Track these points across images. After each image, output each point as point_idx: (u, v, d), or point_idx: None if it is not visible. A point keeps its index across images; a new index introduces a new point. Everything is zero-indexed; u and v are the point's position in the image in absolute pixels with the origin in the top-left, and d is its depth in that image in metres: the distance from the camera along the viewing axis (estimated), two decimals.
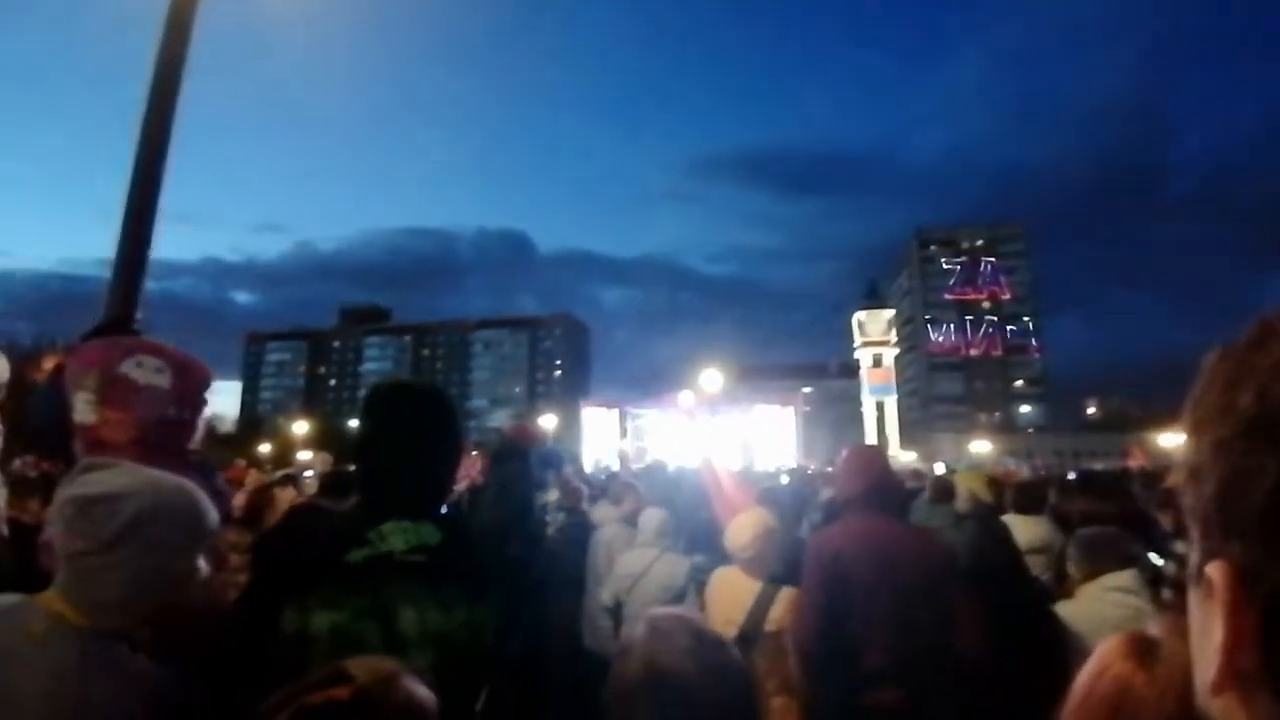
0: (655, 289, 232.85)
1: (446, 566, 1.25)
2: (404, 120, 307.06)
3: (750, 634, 2.45)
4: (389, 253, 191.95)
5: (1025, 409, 78.00)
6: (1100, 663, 0.77)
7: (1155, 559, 3.20)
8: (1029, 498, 4.36)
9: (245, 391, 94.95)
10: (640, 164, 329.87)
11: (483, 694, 1.30)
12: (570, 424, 25.47)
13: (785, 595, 2.56)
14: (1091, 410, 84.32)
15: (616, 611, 3.61)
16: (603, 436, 19.62)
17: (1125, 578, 2.62)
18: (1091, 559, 2.72)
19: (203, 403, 1.71)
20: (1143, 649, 0.77)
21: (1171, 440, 34.24)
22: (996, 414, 76.62)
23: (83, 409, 1.53)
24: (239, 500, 3.91)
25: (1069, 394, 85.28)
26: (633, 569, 3.60)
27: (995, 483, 4.99)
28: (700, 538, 3.88)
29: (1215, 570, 0.33)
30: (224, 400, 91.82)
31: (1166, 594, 2.69)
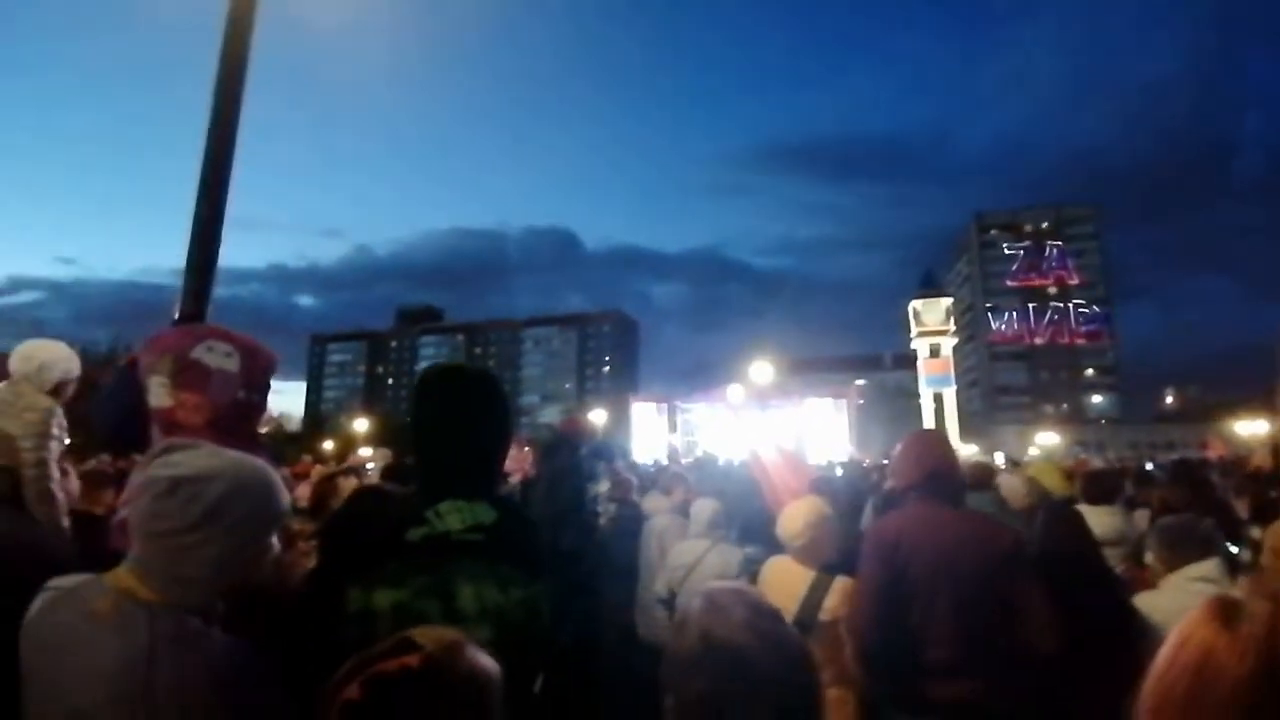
0: (704, 283, 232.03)
1: (502, 545, 1.28)
2: (453, 123, 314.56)
3: (804, 623, 2.41)
4: (442, 254, 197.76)
5: (1096, 399, 74.27)
6: (1183, 630, 0.74)
7: (1231, 548, 3.02)
8: (1100, 487, 4.17)
9: (309, 392, 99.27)
10: (687, 158, 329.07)
11: (539, 677, 1.32)
12: (620, 419, 25.62)
13: (840, 585, 2.51)
14: (1169, 400, 79.64)
15: (670, 602, 3.62)
16: (652, 431, 19.67)
17: (1209, 567, 2.48)
18: (1173, 548, 2.59)
19: (269, 386, 1.79)
20: (1226, 612, 0.73)
21: (1250, 428, 31.99)
22: (1064, 405, 73.16)
23: (157, 392, 1.62)
24: (302, 491, 4.07)
25: (1143, 384, 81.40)
26: (686, 559, 3.60)
27: (1070, 474, 4.78)
28: (753, 529, 3.85)
29: None
30: (290, 400, 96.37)
31: (1243, 581, 2.53)
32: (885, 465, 8.14)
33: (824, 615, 2.44)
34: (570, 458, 4.69)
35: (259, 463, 1.19)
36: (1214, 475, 5.73)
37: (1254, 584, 0.73)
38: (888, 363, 79.08)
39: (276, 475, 1.21)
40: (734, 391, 19.26)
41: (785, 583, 2.59)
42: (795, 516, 2.68)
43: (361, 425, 50.67)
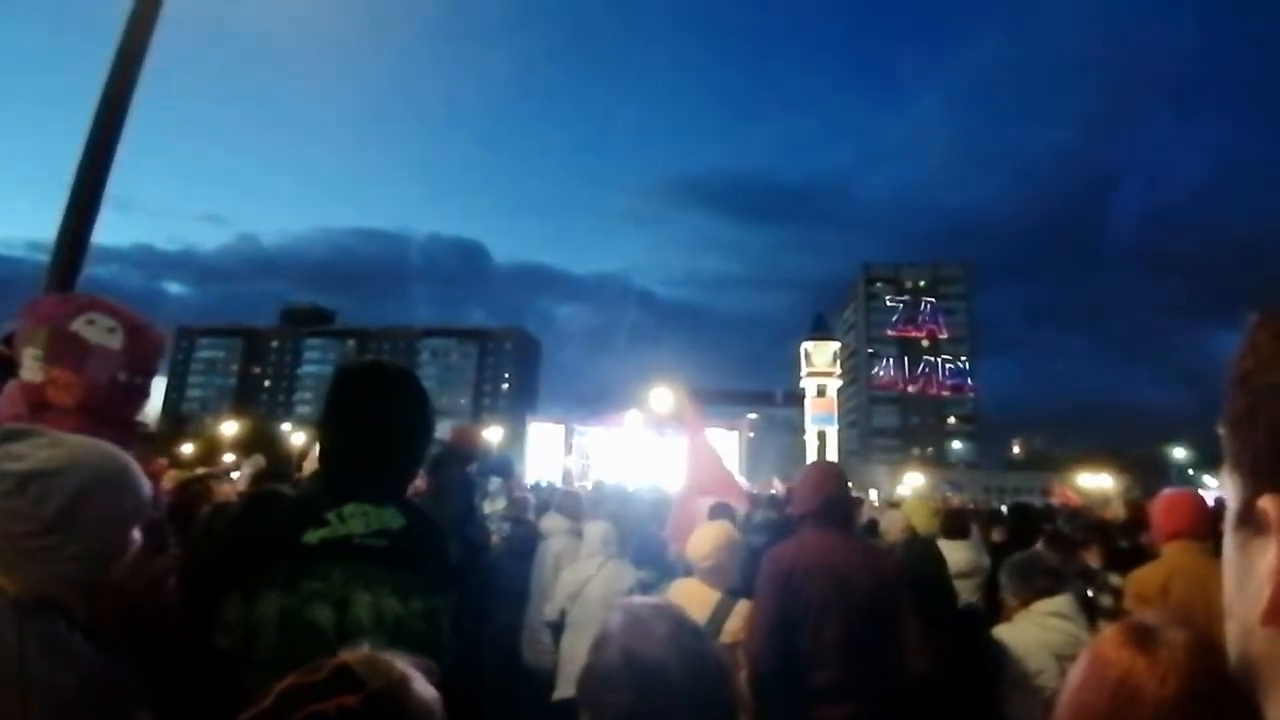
0: (609, 308, 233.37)
1: (408, 553, 1.20)
2: (359, 117, 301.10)
3: None
4: (336, 252, 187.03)
5: (956, 445, 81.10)
6: (1098, 652, 0.79)
7: (1088, 592, 3.37)
8: (954, 524, 4.56)
9: (170, 388, 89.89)
10: (603, 182, 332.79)
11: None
12: (515, 439, 25.08)
13: (742, 608, 2.55)
14: (1016, 449, 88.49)
15: (559, 624, 3.54)
16: (548, 453, 19.38)
17: (1061, 603, 2.73)
18: (1024, 580, 2.82)
19: (154, 370, 1.60)
20: (1140, 637, 0.79)
21: (1090, 480, 36.15)
22: (929, 449, 79.40)
23: (30, 366, 1.42)
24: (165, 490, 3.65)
25: (997, 432, 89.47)
26: (578, 576, 3.55)
27: (938, 512, 5.17)
28: (646, 553, 3.86)
29: (1269, 502, 0.35)
30: None
31: (1104, 625, 2.81)
32: (771, 495, 8.44)
33: (725, 638, 2.47)
34: (459, 471, 4.52)
35: (111, 449, 1.09)
36: (1059, 521, 6.39)
37: (1169, 611, 0.80)
38: (779, 399, 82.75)
39: (134, 464, 1.11)
40: (632, 417, 19.41)
41: (690, 604, 2.57)
42: (705, 539, 2.71)
43: (229, 428, 46.60)
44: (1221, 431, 0.39)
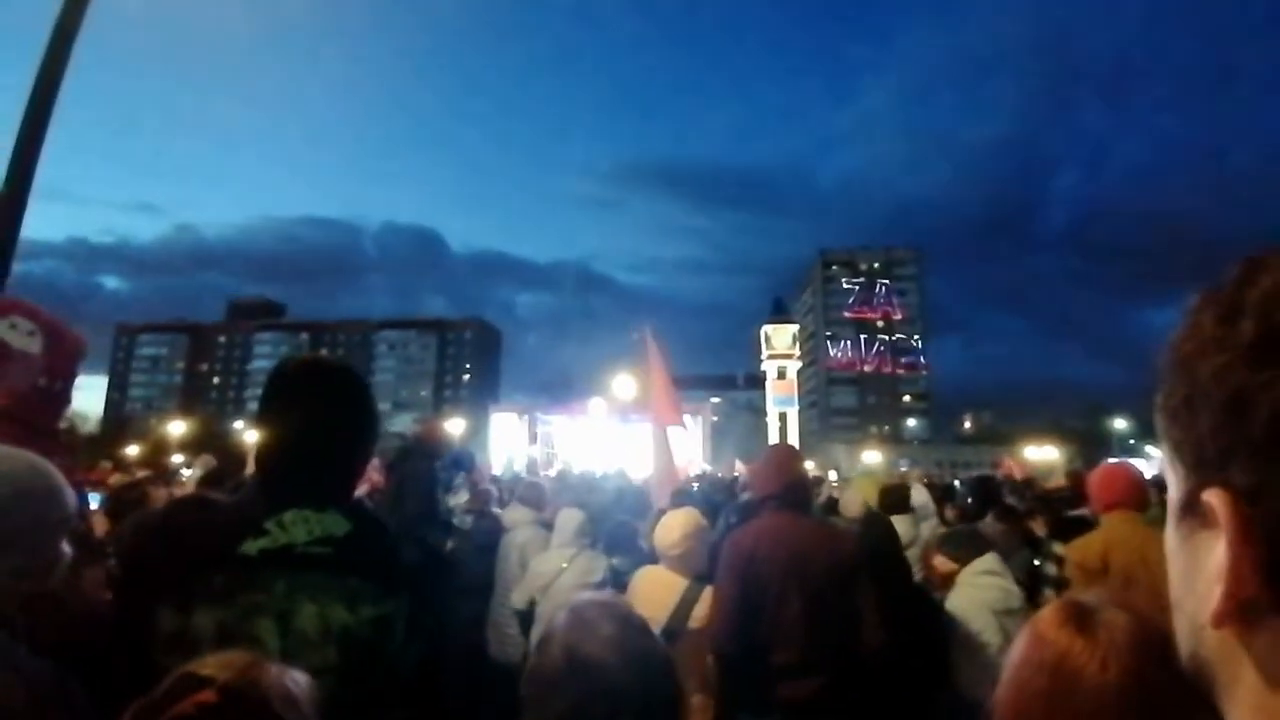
0: (570, 295, 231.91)
1: (355, 560, 1.16)
2: (305, 98, 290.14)
3: (673, 631, 2.44)
4: (284, 243, 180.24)
5: (911, 422, 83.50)
6: (1035, 632, 0.80)
7: (1034, 561, 3.52)
8: (894, 499, 4.72)
9: (112, 388, 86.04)
10: (560, 167, 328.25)
11: (389, 701, 1.21)
12: (478, 430, 24.82)
13: (709, 593, 2.57)
14: (967, 425, 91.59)
15: (529, 614, 3.52)
16: (511, 442, 19.25)
17: (989, 560, 2.92)
18: (960, 548, 3.02)
19: (75, 375, 1.52)
20: (1078, 617, 0.78)
21: (1036, 453, 37.68)
22: (886, 427, 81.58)
23: None
24: (95, 507, 3.48)
25: (949, 410, 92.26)
26: (548, 569, 3.53)
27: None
28: (618, 540, 3.86)
29: (1214, 496, 0.32)
30: (87, 397, 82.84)
31: (1049, 592, 2.94)
32: (738, 479, 8.55)
33: (693, 623, 2.49)
34: (423, 465, 4.43)
35: (36, 461, 1.05)
36: (1005, 492, 6.63)
37: (1109, 593, 0.80)
38: (740, 382, 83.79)
39: (58, 473, 1.07)
40: (596, 405, 19.38)
41: (656, 591, 2.62)
42: (673, 527, 2.71)
43: (176, 428, 44.91)
44: (1158, 418, 0.37)
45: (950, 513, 5.83)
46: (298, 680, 0.79)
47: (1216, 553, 0.32)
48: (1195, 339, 0.34)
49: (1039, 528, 4.38)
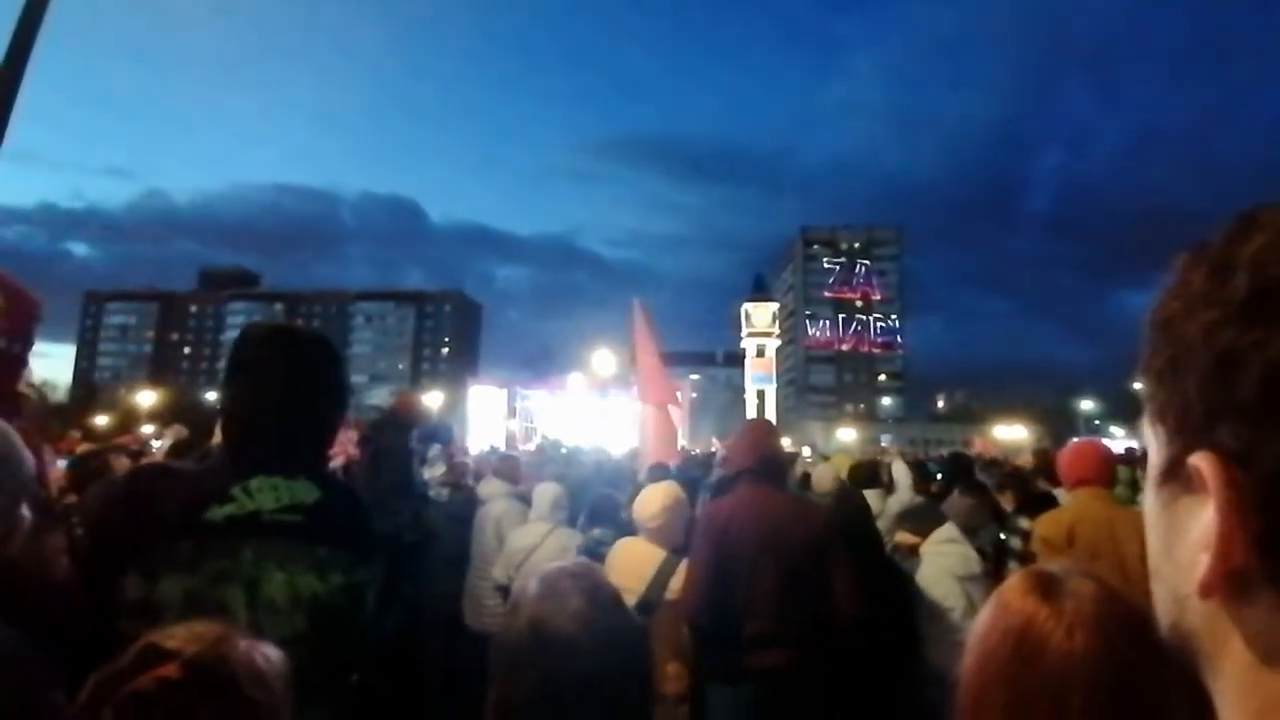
0: (551, 269, 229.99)
1: (324, 527, 1.14)
2: (278, 64, 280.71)
3: (650, 603, 2.47)
4: (259, 210, 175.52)
5: (886, 401, 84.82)
6: (1000, 600, 0.80)
7: (1001, 535, 3.62)
8: (863, 474, 4.88)
9: (80, 357, 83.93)
10: (544, 139, 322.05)
11: (359, 669, 1.21)
12: (456, 403, 24.68)
13: (685, 566, 2.60)
14: (940, 404, 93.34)
15: (508, 589, 3.54)
16: (490, 417, 19.17)
17: (948, 529, 3.07)
18: (922, 522, 3.17)
19: (33, 337, 1.47)
20: (1044, 585, 0.77)
21: (1006, 432, 38.53)
22: (861, 405, 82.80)
23: None
24: (56, 475, 3.39)
25: (924, 389, 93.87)
26: (526, 542, 3.54)
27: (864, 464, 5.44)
28: (600, 512, 3.88)
29: (1202, 460, 0.30)
30: (54, 366, 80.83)
31: (1014, 565, 3.03)
32: (714, 454, 8.63)
33: (670, 594, 2.52)
34: (399, 437, 4.40)
35: None
36: (976, 469, 6.79)
37: (1075, 563, 0.79)
38: (719, 359, 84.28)
39: (17, 438, 1.02)
40: (575, 379, 19.35)
41: (634, 563, 2.64)
42: (653, 499, 2.73)
43: (146, 399, 44.05)
44: (1141, 381, 0.35)
45: (922, 488, 5.97)
46: (268, 656, 0.76)
47: (1202, 519, 0.30)
48: (1183, 297, 0.32)
49: (1007, 503, 4.49)
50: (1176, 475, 0.33)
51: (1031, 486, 4.75)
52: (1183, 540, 0.32)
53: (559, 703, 0.88)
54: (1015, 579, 0.81)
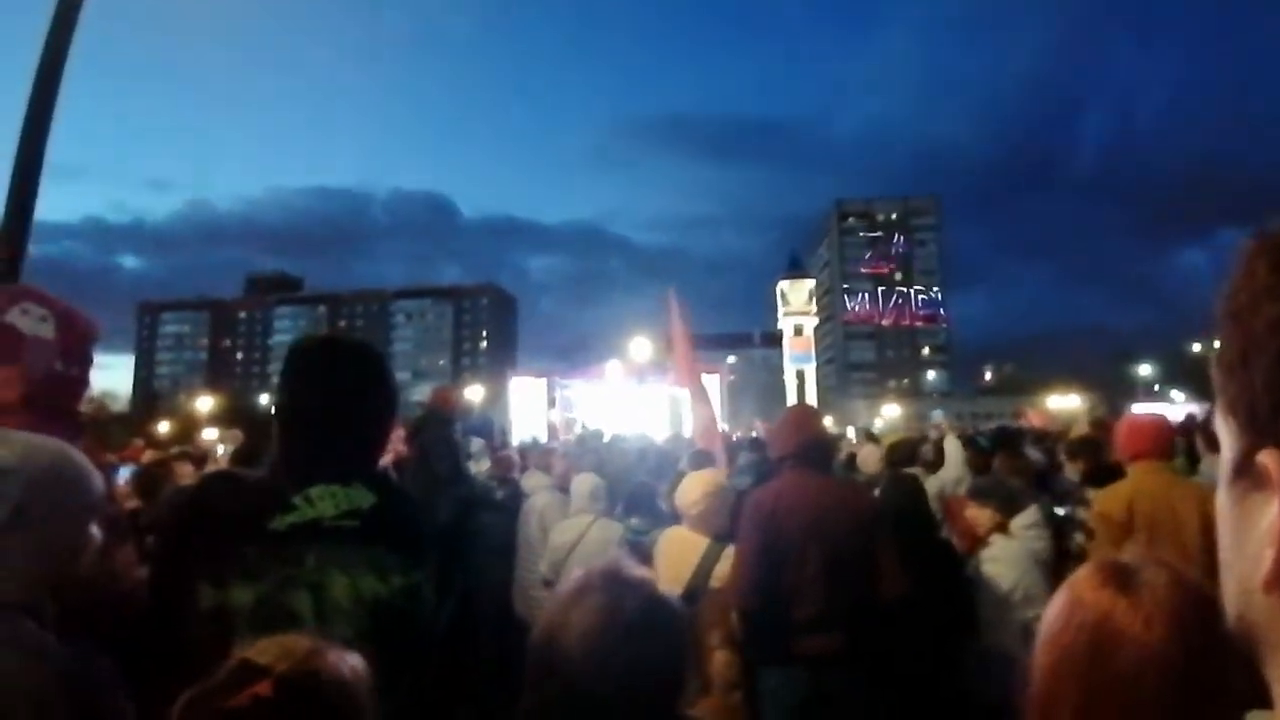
0: (584, 257, 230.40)
1: (382, 530, 1.18)
2: (308, 69, 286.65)
3: (696, 591, 2.49)
4: (295, 214, 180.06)
5: (931, 375, 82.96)
6: (1073, 594, 0.78)
7: (1058, 509, 3.52)
8: (900, 453, 4.71)
9: (138, 367, 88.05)
10: (570, 125, 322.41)
11: (420, 666, 1.25)
12: (497, 396, 25.08)
13: (731, 552, 2.60)
14: (988, 376, 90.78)
15: (554, 584, 3.60)
16: (531, 408, 19.40)
17: (1033, 513, 2.92)
18: (1007, 504, 3.00)
19: (90, 358, 1.55)
20: (1119, 577, 0.76)
21: (1061, 401, 37.30)
22: (905, 380, 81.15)
23: None
24: (123, 487, 3.56)
25: (970, 361, 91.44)
26: (568, 537, 3.59)
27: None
28: (637, 501, 3.91)
29: (1269, 457, 0.31)
30: (115, 376, 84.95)
31: (1079, 538, 2.95)
32: (756, 438, 8.58)
33: (715, 582, 2.53)
34: (442, 431, 4.51)
35: (61, 445, 1.06)
36: (1027, 443, 6.59)
37: (1148, 552, 0.78)
38: (756, 340, 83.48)
39: (85, 459, 1.08)
40: (613, 367, 19.44)
41: (679, 552, 2.66)
42: (693, 486, 2.75)
43: (205, 404, 45.96)
44: (1214, 373, 0.35)
45: (975, 463, 5.81)
46: (355, 667, 0.77)
47: (1270, 514, 0.31)
48: (1249, 289, 0.32)
49: (1074, 472, 4.34)
50: (1247, 471, 0.33)
51: (1104, 456, 4.58)
52: (1252, 535, 0.33)
53: (583, 705, 0.88)
54: (1087, 571, 0.80)
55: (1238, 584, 0.35)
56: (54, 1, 3.23)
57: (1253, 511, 0.33)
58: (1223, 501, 0.36)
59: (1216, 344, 0.35)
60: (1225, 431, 0.35)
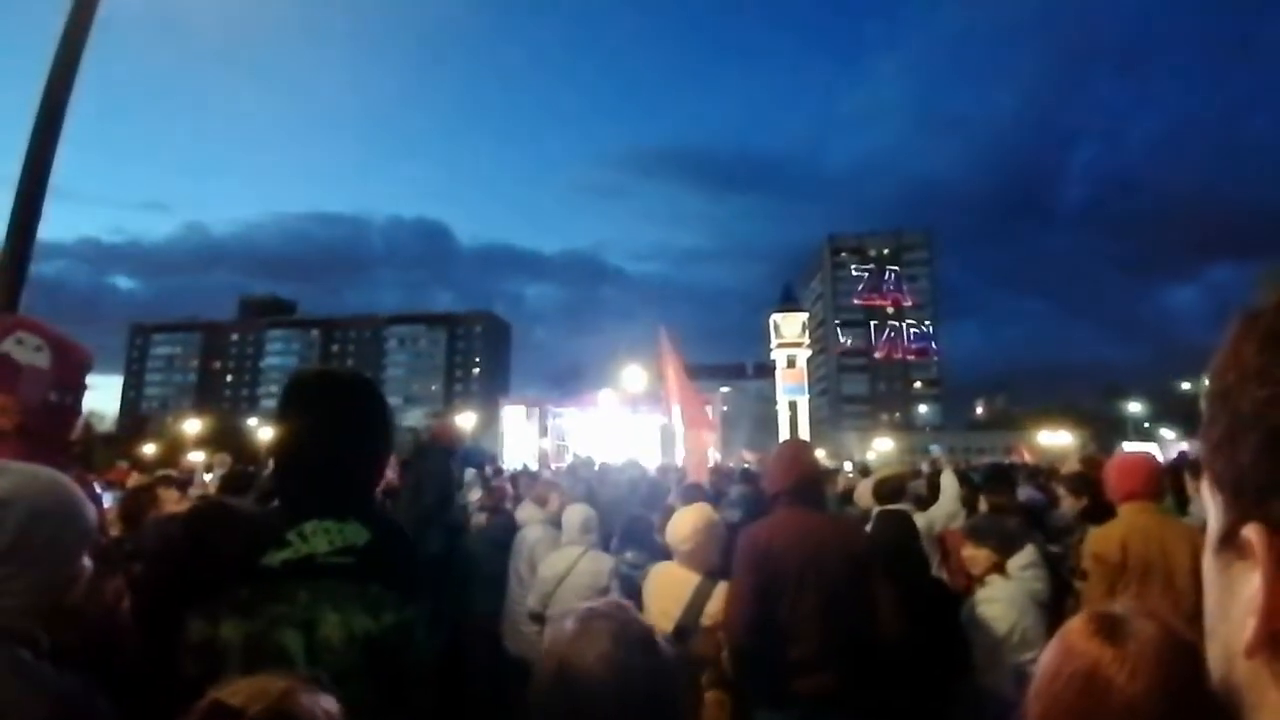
0: (578, 286, 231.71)
1: (375, 568, 1.17)
2: (306, 96, 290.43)
3: (687, 628, 2.45)
4: (292, 239, 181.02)
5: (923, 408, 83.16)
6: (1065, 642, 0.80)
7: (1051, 547, 3.51)
8: (888, 489, 4.65)
9: (128, 387, 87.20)
10: (566, 155, 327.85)
11: (411, 701, 1.24)
12: (489, 423, 24.94)
13: (721, 590, 2.57)
14: (979, 410, 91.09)
15: (541, 616, 3.54)
16: (523, 436, 19.30)
17: (1030, 552, 2.90)
18: (1006, 544, 2.94)
19: (83, 388, 1.54)
20: (1108, 628, 0.78)
21: (1050, 438, 37.40)
22: (897, 413, 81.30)
23: None
24: (107, 511, 3.52)
25: (961, 395, 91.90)
26: (556, 570, 3.54)
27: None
28: (632, 534, 3.87)
29: (1253, 531, 0.33)
30: (103, 396, 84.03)
31: (1078, 584, 2.94)
32: (747, 469, 8.55)
33: (706, 620, 2.49)
34: (438, 462, 4.48)
35: (57, 477, 1.06)
36: (1021, 479, 6.58)
37: (1138, 604, 0.80)
38: (749, 371, 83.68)
39: (79, 490, 1.08)
40: (606, 396, 19.40)
41: (669, 588, 2.62)
42: (684, 522, 2.71)
43: (192, 426, 45.43)
44: (1201, 447, 0.37)
45: (969, 499, 5.79)
46: (329, 710, 0.78)
47: (1252, 584, 0.33)
48: (1237, 370, 0.34)
49: (1072, 505, 4.32)
50: (1232, 542, 0.35)
51: (1101, 493, 4.57)
52: (1236, 602, 0.35)
53: None
54: (1079, 621, 0.82)
55: (1222, 648, 0.37)
56: (60, 25, 3.28)
57: (1237, 580, 0.35)
58: (1208, 568, 0.38)
59: (1205, 419, 0.37)
60: (1212, 503, 0.37)
